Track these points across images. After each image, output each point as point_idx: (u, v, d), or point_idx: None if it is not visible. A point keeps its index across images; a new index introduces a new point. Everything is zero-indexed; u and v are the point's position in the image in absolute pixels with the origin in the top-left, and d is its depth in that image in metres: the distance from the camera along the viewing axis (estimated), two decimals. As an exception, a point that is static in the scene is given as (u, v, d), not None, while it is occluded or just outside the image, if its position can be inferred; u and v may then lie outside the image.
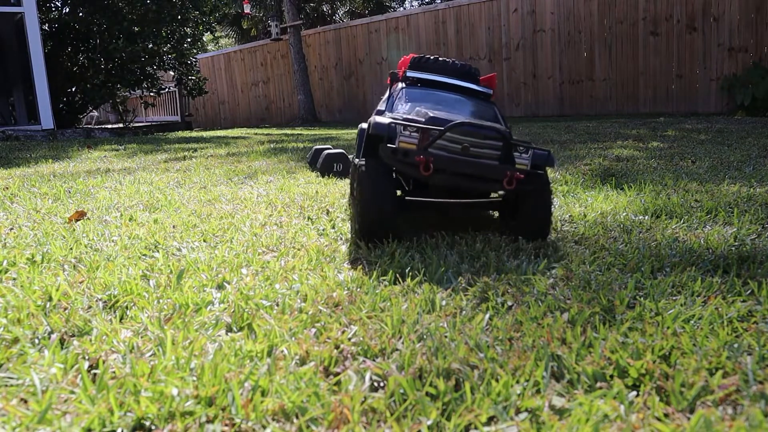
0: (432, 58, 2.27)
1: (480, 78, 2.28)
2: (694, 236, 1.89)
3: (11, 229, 2.16)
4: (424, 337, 1.15)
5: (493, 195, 2.11)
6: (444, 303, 1.34)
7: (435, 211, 2.06)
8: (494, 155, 1.79)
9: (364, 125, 2.19)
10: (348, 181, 3.06)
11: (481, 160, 1.77)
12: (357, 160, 1.95)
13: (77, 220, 2.30)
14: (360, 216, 1.78)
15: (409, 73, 2.23)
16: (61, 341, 1.17)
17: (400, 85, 2.20)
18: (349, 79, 12.65)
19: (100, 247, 1.87)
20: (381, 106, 2.14)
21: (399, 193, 1.98)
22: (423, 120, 1.81)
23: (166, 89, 13.12)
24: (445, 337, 1.14)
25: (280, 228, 2.14)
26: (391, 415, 0.90)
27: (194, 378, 0.99)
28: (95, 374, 1.03)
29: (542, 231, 1.88)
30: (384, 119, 1.84)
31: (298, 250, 1.83)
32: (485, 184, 1.78)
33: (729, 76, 8.04)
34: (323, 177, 3.46)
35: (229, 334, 1.21)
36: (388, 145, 1.75)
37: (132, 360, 1.04)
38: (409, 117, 1.90)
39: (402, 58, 2.33)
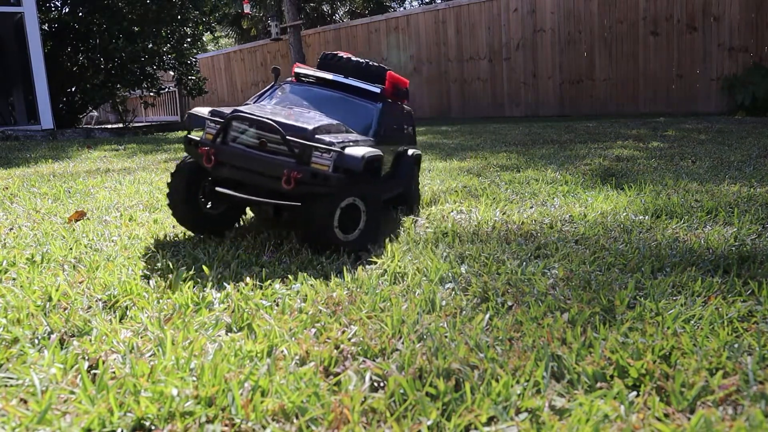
0: (339, 56, 2.30)
1: (394, 80, 2.24)
2: (694, 236, 1.89)
3: (11, 229, 2.16)
4: (424, 337, 1.15)
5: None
6: (444, 303, 1.34)
7: (243, 207, 2.07)
8: (289, 153, 1.72)
9: None
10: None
11: (275, 156, 1.73)
12: None
13: (77, 220, 2.30)
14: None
15: (297, 70, 2.28)
16: (61, 341, 1.17)
17: (285, 80, 2.25)
18: (349, 79, 12.62)
19: (100, 247, 1.87)
20: (250, 99, 2.19)
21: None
22: (228, 113, 1.78)
23: (166, 89, 13.11)
24: (445, 337, 1.14)
25: (281, 228, 2.13)
26: (391, 415, 0.90)
27: (194, 378, 0.99)
28: (95, 374, 1.03)
29: (316, 240, 1.77)
30: (202, 110, 1.88)
31: (298, 249, 1.82)
32: (266, 180, 1.73)
33: (729, 76, 8.03)
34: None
35: (229, 334, 1.20)
36: (187, 135, 1.83)
37: (132, 360, 1.04)
38: (226, 111, 1.84)
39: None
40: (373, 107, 2.17)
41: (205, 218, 1.97)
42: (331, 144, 1.73)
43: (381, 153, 1.94)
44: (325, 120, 1.92)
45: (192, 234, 2.04)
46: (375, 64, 2.31)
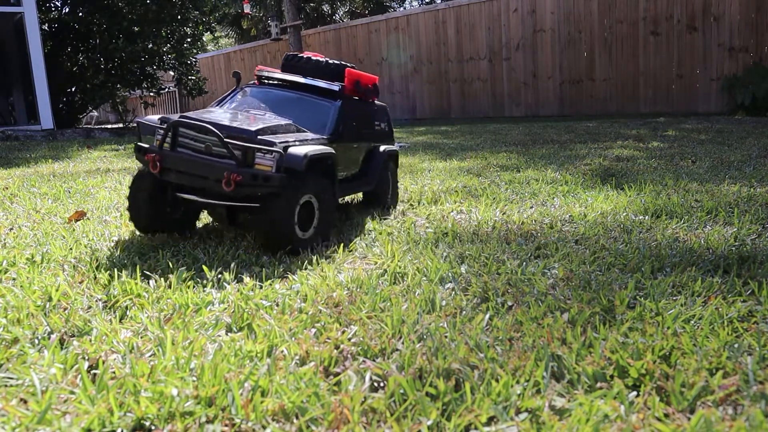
0: (299, 56, 2.33)
1: (353, 76, 2.26)
2: (694, 236, 1.89)
3: (11, 229, 2.16)
4: (424, 337, 1.14)
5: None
6: (444, 303, 1.34)
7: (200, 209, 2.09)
8: (234, 155, 1.73)
9: None
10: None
11: (216, 160, 1.75)
12: None
13: (77, 220, 2.30)
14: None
15: (258, 72, 2.32)
16: (61, 341, 1.17)
17: (249, 83, 2.29)
18: (349, 79, 12.62)
19: (100, 247, 1.87)
20: (212, 104, 2.23)
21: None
22: (172, 119, 1.82)
23: (166, 89, 13.11)
24: (445, 337, 1.14)
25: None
26: (391, 415, 0.90)
27: (194, 378, 0.99)
28: (95, 374, 1.03)
29: (276, 239, 1.77)
30: (152, 118, 1.92)
31: (299, 250, 1.82)
32: (209, 183, 1.76)
33: (729, 76, 8.03)
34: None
35: (229, 334, 1.20)
36: (137, 143, 1.86)
37: (132, 360, 1.04)
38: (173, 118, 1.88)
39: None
40: (331, 105, 2.17)
41: (165, 222, 1.98)
42: (272, 144, 1.74)
43: (331, 150, 1.95)
44: (273, 121, 1.93)
45: (191, 235, 2.04)
46: (335, 62, 2.32)
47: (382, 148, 2.45)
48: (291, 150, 1.77)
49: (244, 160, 1.74)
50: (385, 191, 2.47)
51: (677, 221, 2.10)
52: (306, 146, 1.85)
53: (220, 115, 1.94)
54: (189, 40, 10.84)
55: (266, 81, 2.33)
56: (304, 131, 2.01)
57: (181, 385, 0.95)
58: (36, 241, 1.95)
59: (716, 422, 0.85)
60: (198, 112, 1.92)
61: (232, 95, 2.26)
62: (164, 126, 1.81)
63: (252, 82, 2.35)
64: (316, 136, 2.01)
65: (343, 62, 2.34)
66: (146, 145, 1.84)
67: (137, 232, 2.07)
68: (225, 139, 1.71)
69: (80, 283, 1.52)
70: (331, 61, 2.32)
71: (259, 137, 1.76)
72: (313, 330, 1.20)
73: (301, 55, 2.34)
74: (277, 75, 2.28)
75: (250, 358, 1.08)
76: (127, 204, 1.94)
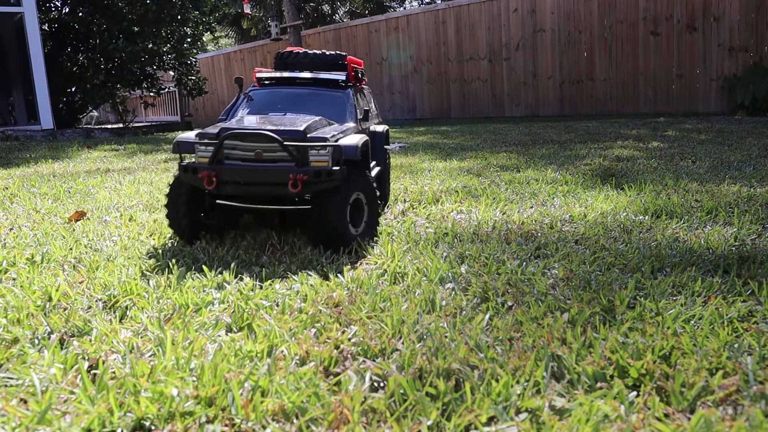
0: (294, 52, 2.31)
1: (353, 63, 2.31)
2: (694, 236, 1.89)
3: (11, 229, 2.16)
4: (424, 337, 1.14)
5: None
6: (444, 303, 1.34)
7: (255, 216, 2.11)
8: (287, 157, 1.76)
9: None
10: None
11: (273, 164, 1.76)
12: None
13: (77, 220, 2.30)
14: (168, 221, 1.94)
15: (259, 74, 2.28)
16: (61, 341, 1.17)
17: (250, 87, 2.26)
18: (349, 79, 12.61)
19: (100, 247, 1.87)
20: (222, 114, 2.22)
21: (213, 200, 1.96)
22: (215, 133, 1.80)
23: (166, 89, 13.11)
24: (445, 337, 1.14)
25: (281, 228, 2.13)
26: (391, 415, 0.90)
27: (194, 378, 0.99)
28: (95, 374, 1.03)
29: (331, 238, 1.79)
30: (187, 135, 1.89)
31: (298, 249, 1.82)
32: (273, 189, 1.76)
33: (729, 76, 8.03)
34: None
35: (229, 334, 1.20)
36: (180, 163, 1.81)
37: (132, 360, 1.04)
38: (211, 131, 1.86)
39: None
40: (343, 95, 2.20)
41: (203, 228, 1.98)
42: (325, 140, 1.76)
43: (368, 138, 1.98)
44: (308, 118, 1.95)
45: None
46: (330, 52, 2.33)
47: (378, 128, 2.43)
48: (342, 142, 1.79)
49: (300, 160, 1.75)
50: (386, 175, 2.45)
51: (677, 221, 2.10)
52: (351, 137, 1.87)
53: (253, 121, 1.94)
54: (189, 40, 10.84)
55: (267, 82, 2.31)
56: (333, 123, 2.04)
57: (181, 385, 0.95)
58: (36, 241, 1.95)
59: (716, 422, 0.85)
60: (233, 123, 1.90)
61: (240, 102, 2.24)
62: (212, 140, 1.78)
63: (252, 85, 2.33)
64: (346, 125, 2.03)
65: (335, 53, 2.34)
66: (195, 163, 1.80)
67: (137, 232, 2.07)
68: (285, 143, 1.73)
69: (80, 283, 1.52)
70: (326, 52, 2.32)
71: (308, 135, 1.78)
72: (313, 330, 1.20)
73: (293, 51, 2.33)
74: (279, 74, 2.28)
75: (250, 358, 1.08)
76: (165, 212, 1.93)
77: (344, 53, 2.34)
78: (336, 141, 1.78)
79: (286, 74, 2.26)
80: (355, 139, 1.84)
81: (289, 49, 2.36)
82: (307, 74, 2.24)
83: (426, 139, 5.99)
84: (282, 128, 1.79)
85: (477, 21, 10.31)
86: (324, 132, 1.84)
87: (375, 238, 1.92)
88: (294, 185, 1.70)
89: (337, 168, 1.74)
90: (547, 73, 9.74)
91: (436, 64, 10.96)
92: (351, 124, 2.08)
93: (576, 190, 2.77)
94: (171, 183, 1.93)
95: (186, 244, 1.92)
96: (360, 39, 12.13)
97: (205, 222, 1.99)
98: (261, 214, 2.06)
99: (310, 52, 2.32)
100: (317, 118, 1.97)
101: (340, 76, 2.22)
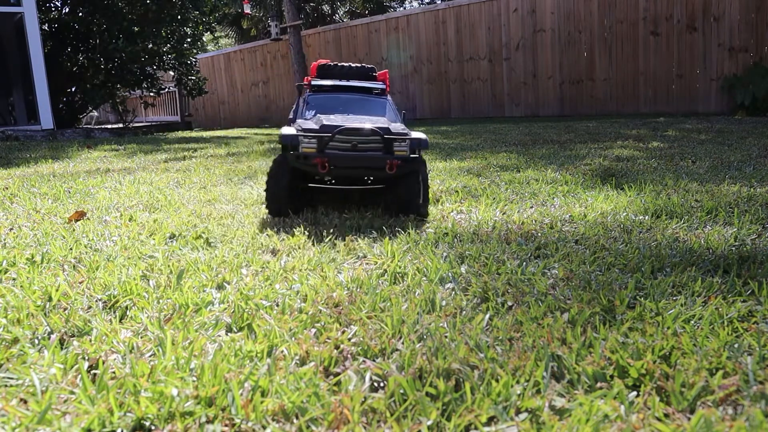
0: (333, 64, 2.73)
1: (376, 74, 2.75)
2: (694, 236, 1.89)
3: (11, 229, 2.16)
4: (424, 337, 1.15)
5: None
6: (444, 303, 1.34)
7: (338, 194, 2.59)
8: (378, 147, 2.22)
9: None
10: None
11: (367, 153, 2.22)
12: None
13: (77, 220, 2.30)
14: (267, 200, 2.32)
15: (314, 82, 2.67)
16: (61, 341, 1.17)
17: (307, 93, 2.65)
18: (349, 79, 12.60)
19: (100, 247, 1.87)
20: (291, 114, 2.60)
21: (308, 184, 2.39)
22: (317, 128, 2.23)
23: (166, 89, 13.12)
24: (445, 337, 1.14)
25: (281, 228, 2.14)
26: (391, 415, 0.90)
27: (194, 378, 0.99)
28: (95, 374, 1.03)
29: (408, 208, 2.26)
30: (290, 130, 2.28)
31: (299, 249, 1.83)
32: (373, 172, 2.23)
33: (729, 76, 8.03)
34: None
35: (229, 334, 1.20)
36: (292, 152, 2.22)
37: (132, 360, 1.04)
38: (309, 125, 2.28)
39: (312, 65, 2.75)
40: (386, 101, 2.66)
41: (296, 207, 2.36)
42: (405, 134, 2.24)
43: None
44: (382, 119, 2.41)
45: (192, 234, 2.04)
46: (364, 65, 2.77)
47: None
48: (414, 135, 2.26)
49: (389, 150, 2.21)
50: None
51: (677, 221, 2.10)
52: (417, 132, 2.32)
53: (339, 120, 2.30)
54: (189, 40, 10.85)
55: (318, 88, 2.65)
56: (394, 123, 2.43)
57: (181, 385, 0.95)
58: (36, 241, 1.96)
59: (716, 422, 0.85)
60: (332, 120, 2.27)
61: (306, 104, 2.59)
62: (325, 134, 2.19)
63: (308, 92, 2.64)
64: (401, 124, 2.42)
65: (362, 65, 2.78)
66: (308, 152, 2.19)
67: (137, 232, 2.07)
68: (385, 136, 2.19)
69: (80, 283, 1.52)
70: (355, 65, 2.74)
71: (392, 131, 2.23)
72: (313, 330, 1.20)
73: (330, 63, 2.72)
74: (333, 83, 2.66)
75: (250, 358, 1.08)
76: (264, 188, 2.35)
77: (371, 66, 2.76)
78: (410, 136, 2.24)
79: (335, 82, 2.65)
80: (422, 135, 2.29)
81: (322, 61, 2.74)
82: (357, 83, 2.67)
83: (426, 139, 5.98)
84: (377, 126, 2.22)
85: (477, 21, 10.31)
86: (396, 128, 2.27)
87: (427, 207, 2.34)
88: (390, 168, 2.19)
89: (416, 156, 2.24)
90: (547, 73, 9.74)
91: (436, 64, 10.96)
92: (402, 124, 2.44)
93: (576, 190, 2.77)
94: (272, 169, 2.29)
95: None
96: (360, 39, 12.13)
97: (296, 202, 2.37)
98: (347, 192, 2.58)
99: (339, 64, 2.73)
100: (384, 118, 2.43)
101: (382, 85, 2.70)
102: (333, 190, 2.45)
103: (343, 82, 2.66)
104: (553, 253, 1.75)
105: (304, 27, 14.54)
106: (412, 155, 2.22)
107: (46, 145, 6.41)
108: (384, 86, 2.69)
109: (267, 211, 2.35)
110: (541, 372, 1.00)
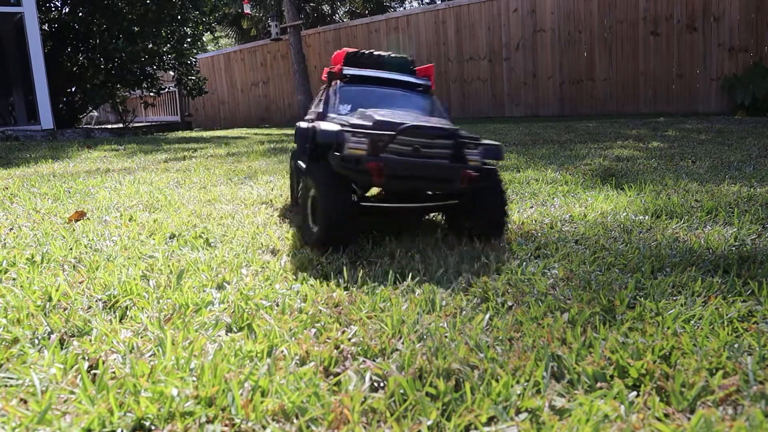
0: (366, 53, 2.22)
1: (417, 69, 2.26)
2: (694, 236, 1.89)
3: (11, 229, 2.16)
4: (424, 337, 1.15)
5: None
6: (444, 303, 1.34)
7: (390, 215, 1.97)
8: (445, 154, 1.72)
9: (303, 124, 2.15)
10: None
11: (432, 160, 1.70)
12: (301, 163, 1.95)
13: (77, 220, 2.30)
14: (321, 224, 1.71)
15: (346, 70, 2.13)
16: (61, 341, 1.17)
17: (338, 83, 2.11)
18: (349, 79, 12.61)
19: (100, 247, 1.87)
20: (319, 107, 2.08)
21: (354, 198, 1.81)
22: (370, 124, 1.71)
23: (166, 89, 13.11)
24: (445, 337, 1.14)
25: (281, 228, 2.14)
26: (391, 415, 0.90)
27: (194, 378, 0.99)
28: (95, 374, 1.03)
29: (499, 229, 1.88)
30: (331, 126, 1.74)
31: (299, 249, 1.82)
32: (440, 185, 1.73)
33: (729, 76, 8.03)
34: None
35: (229, 334, 1.20)
36: (336, 153, 1.67)
37: (132, 360, 1.04)
38: (355, 121, 1.78)
39: (335, 54, 2.24)
40: (430, 99, 2.18)
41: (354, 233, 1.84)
42: (476, 139, 1.78)
43: None
44: (444, 120, 1.94)
45: (192, 234, 2.04)
46: (401, 56, 2.30)
47: None
48: (486, 142, 1.81)
49: (459, 158, 1.74)
50: None
51: (677, 221, 2.10)
52: (488, 140, 1.87)
53: (389, 116, 1.79)
54: (189, 40, 10.85)
55: (352, 78, 2.15)
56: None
57: (181, 385, 0.95)
58: (36, 241, 1.95)
59: (716, 422, 0.85)
60: (384, 117, 1.75)
61: (337, 95, 2.07)
62: (378, 131, 1.67)
63: (337, 82, 2.14)
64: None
65: (400, 55, 2.29)
66: (358, 155, 1.65)
67: (137, 232, 2.07)
68: (460, 138, 1.72)
69: (80, 283, 1.52)
70: (392, 55, 2.27)
71: (461, 134, 1.76)
72: (313, 330, 1.20)
73: (362, 51, 2.22)
74: (369, 73, 2.17)
75: (250, 358, 1.08)
76: (326, 223, 1.69)
77: (410, 59, 2.30)
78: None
79: (371, 73, 2.16)
80: (495, 142, 1.85)
81: (349, 50, 2.21)
82: (397, 76, 2.18)
83: (426, 139, 5.97)
84: (443, 127, 1.76)
85: (477, 21, 10.31)
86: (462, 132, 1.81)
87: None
88: (464, 181, 1.69)
89: (492, 167, 1.78)
90: (547, 73, 9.74)
91: (436, 64, 10.95)
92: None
93: (576, 190, 2.78)
94: (322, 184, 1.70)
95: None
96: (360, 39, 12.12)
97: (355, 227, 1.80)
98: (403, 213, 1.96)
99: (375, 53, 2.24)
100: (437, 118, 1.93)
101: (425, 81, 2.22)
102: (380, 210, 1.86)
103: (384, 74, 2.17)
104: (553, 253, 1.75)
105: (304, 27, 14.54)
106: (485, 165, 1.76)
107: (46, 145, 6.41)
108: (429, 83, 2.23)
109: (309, 243, 1.78)
110: (541, 372, 1.00)
